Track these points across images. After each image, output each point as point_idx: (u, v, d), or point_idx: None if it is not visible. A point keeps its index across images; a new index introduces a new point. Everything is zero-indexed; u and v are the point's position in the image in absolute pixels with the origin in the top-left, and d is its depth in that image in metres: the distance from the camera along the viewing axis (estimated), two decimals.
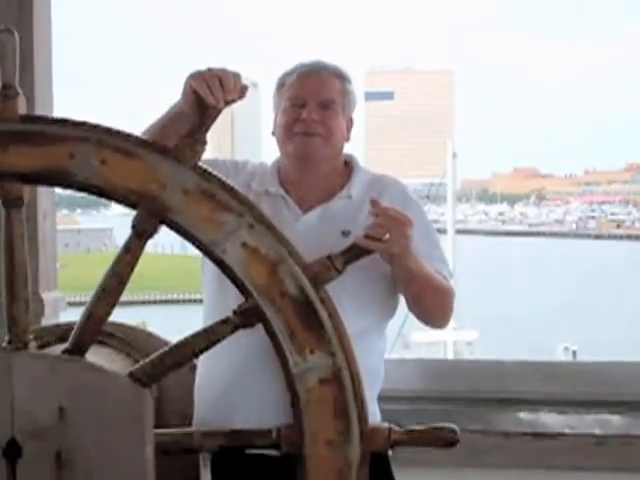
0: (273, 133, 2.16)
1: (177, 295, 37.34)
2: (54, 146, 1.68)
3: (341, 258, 1.75)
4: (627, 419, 2.91)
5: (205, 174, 1.71)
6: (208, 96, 1.78)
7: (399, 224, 1.87)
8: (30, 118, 1.72)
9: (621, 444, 2.87)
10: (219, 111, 1.79)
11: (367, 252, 1.81)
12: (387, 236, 1.84)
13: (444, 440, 1.73)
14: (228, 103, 1.81)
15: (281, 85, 2.15)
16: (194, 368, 2.05)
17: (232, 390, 1.99)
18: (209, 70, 1.83)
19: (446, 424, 1.73)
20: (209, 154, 1.83)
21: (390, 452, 2.01)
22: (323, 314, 1.70)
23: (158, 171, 1.69)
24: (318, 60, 2.17)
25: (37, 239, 2.88)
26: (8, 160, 1.68)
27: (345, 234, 2.03)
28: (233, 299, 1.77)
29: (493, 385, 3.04)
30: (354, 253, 1.78)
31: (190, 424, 2.01)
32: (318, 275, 1.71)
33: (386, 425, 1.75)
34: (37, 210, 2.88)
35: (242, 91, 1.83)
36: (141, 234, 1.71)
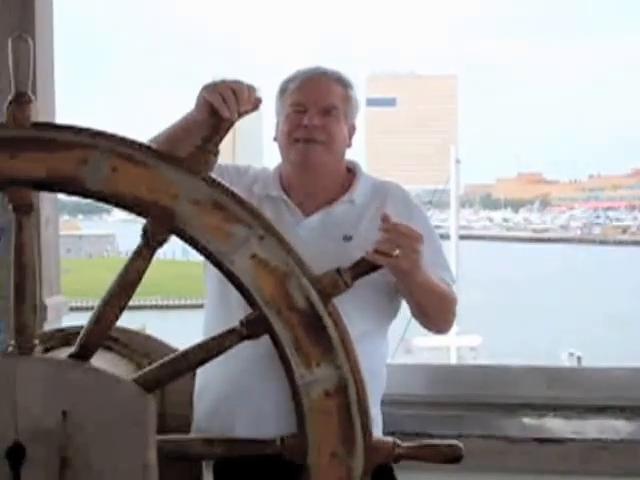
0: (275, 139, 2.15)
1: (177, 301, 37.38)
2: (65, 153, 1.67)
3: (350, 272, 1.74)
4: (632, 424, 2.90)
5: (216, 185, 1.70)
6: (222, 108, 1.76)
7: (409, 240, 1.83)
8: (42, 125, 1.70)
9: (626, 449, 2.86)
10: (232, 123, 1.78)
11: (376, 267, 1.79)
12: (397, 252, 1.82)
13: (448, 456, 1.75)
14: (242, 115, 1.79)
15: (283, 91, 2.14)
16: (194, 376, 2.04)
17: (230, 399, 1.98)
18: (223, 82, 1.81)
19: (450, 441, 1.76)
20: None
21: None
22: (331, 328, 1.69)
23: (169, 181, 1.68)
24: (320, 66, 2.17)
25: (40, 244, 2.88)
26: (20, 166, 1.67)
27: (346, 239, 2.02)
28: (235, 306, 1.76)
29: (497, 390, 3.03)
30: (363, 267, 1.77)
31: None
32: (326, 289, 1.70)
33: (390, 439, 1.75)
34: (40, 216, 2.88)
35: (256, 103, 1.82)
36: (150, 242, 1.70)
